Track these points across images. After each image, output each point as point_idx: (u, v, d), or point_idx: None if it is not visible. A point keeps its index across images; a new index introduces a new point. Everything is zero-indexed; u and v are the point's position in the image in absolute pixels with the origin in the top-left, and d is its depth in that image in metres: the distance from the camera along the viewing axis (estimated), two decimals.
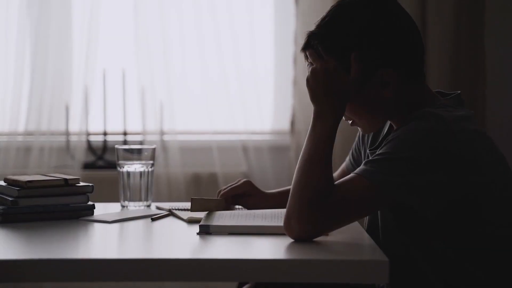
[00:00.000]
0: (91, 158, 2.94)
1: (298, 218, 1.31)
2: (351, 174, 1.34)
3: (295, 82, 2.91)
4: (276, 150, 2.96)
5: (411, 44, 1.44)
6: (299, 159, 1.39)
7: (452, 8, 2.83)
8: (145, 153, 1.81)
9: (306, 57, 1.48)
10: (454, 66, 2.85)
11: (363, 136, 1.70)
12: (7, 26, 2.90)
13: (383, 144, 1.37)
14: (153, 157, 1.82)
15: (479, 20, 2.86)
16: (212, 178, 2.89)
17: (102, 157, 2.94)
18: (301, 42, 1.48)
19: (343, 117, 1.48)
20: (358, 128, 1.54)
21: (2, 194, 1.62)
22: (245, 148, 2.93)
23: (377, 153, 1.35)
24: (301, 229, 1.32)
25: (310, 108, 2.81)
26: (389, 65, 1.41)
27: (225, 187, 1.72)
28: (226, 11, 2.92)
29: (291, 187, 1.38)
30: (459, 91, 1.50)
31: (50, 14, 2.88)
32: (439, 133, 1.33)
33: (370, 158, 1.37)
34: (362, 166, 1.34)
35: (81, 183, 1.65)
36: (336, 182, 1.35)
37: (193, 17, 2.92)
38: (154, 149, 1.83)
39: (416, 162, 1.31)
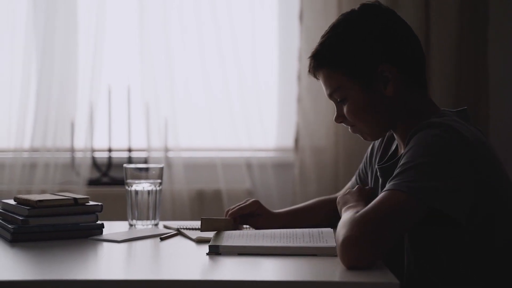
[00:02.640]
0: (95, 175, 2.95)
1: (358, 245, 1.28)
2: (383, 193, 1.34)
3: (299, 99, 2.92)
4: (280, 167, 2.97)
5: (410, 44, 1.51)
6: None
7: (454, 20, 2.86)
8: (153, 172, 1.82)
9: (315, 77, 1.55)
10: (457, 76, 2.88)
11: (370, 156, 1.72)
12: (13, 42, 2.92)
13: (402, 156, 1.39)
14: (160, 176, 1.83)
15: (483, 32, 2.89)
16: (216, 195, 2.90)
17: (107, 174, 2.95)
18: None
19: (344, 123, 1.54)
20: (361, 136, 1.57)
21: (13, 213, 1.63)
22: (249, 165, 2.94)
23: (398, 166, 1.37)
24: (358, 256, 1.28)
25: (313, 125, 2.88)
26: (389, 60, 1.48)
27: (233, 206, 1.73)
28: (230, 28, 2.95)
29: (355, 215, 1.32)
30: (466, 107, 1.55)
31: (56, 31, 2.90)
32: (455, 139, 1.36)
33: (393, 174, 1.37)
34: (390, 183, 1.35)
35: (91, 202, 1.66)
36: (370, 205, 1.32)
37: (196, 33, 2.94)
38: (162, 168, 1.84)
39: (438, 167, 1.33)
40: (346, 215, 1.37)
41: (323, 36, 1.55)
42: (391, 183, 1.34)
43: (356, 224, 1.28)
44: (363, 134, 1.57)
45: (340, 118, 1.56)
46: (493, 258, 1.39)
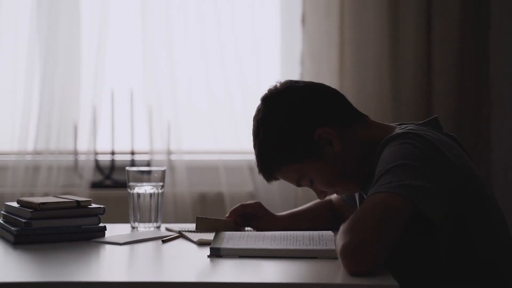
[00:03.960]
0: (98, 178, 2.96)
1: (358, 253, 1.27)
2: (364, 201, 1.34)
3: None
4: None
5: (324, 98, 1.56)
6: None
7: (456, 21, 2.87)
8: (155, 175, 1.83)
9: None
10: (458, 78, 2.89)
11: None
12: (16, 46, 2.93)
13: (376, 172, 1.40)
14: (163, 179, 1.84)
15: (484, 33, 2.90)
16: (219, 198, 2.91)
17: (110, 177, 2.96)
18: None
19: (328, 194, 1.59)
20: (349, 194, 1.61)
21: (16, 215, 1.64)
22: (251, 168, 2.95)
23: (375, 178, 1.38)
24: (356, 263, 1.26)
25: None
26: (318, 125, 1.52)
27: (235, 206, 1.74)
28: (232, 31, 2.95)
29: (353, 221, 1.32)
30: (436, 115, 1.58)
31: (59, 34, 2.91)
32: (421, 144, 1.39)
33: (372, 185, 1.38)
34: (371, 191, 1.35)
35: (93, 205, 1.67)
36: (356, 212, 1.32)
37: (199, 37, 2.95)
38: (164, 171, 1.85)
39: (410, 169, 1.34)
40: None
41: (254, 147, 1.61)
42: (370, 192, 1.35)
43: (348, 233, 1.28)
44: (348, 191, 1.62)
45: (322, 194, 1.61)
46: (475, 260, 1.40)
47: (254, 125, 1.61)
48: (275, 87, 1.59)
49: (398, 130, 1.48)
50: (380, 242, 1.26)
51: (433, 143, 1.41)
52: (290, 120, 1.54)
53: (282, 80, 1.62)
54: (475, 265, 1.40)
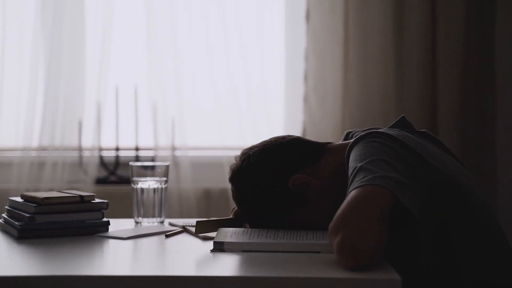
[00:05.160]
0: (103, 173, 2.97)
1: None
2: (347, 196, 1.34)
3: (306, 99, 2.93)
4: None
5: (284, 153, 1.59)
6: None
7: (461, 19, 2.87)
8: (159, 170, 1.84)
9: None
10: (463, 76, 2.88)
11: None
12: (21, 42, 2.94)
13: (349, 175, 1.41)
14: (166, 174, 1.84)
15: (489, 32, 2.89)
16: (223, 194, 2.91)
17: (114, 173, 2.97)
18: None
19: None
20: None
21: (19, 210, 1.65)
22: None
23: (349, 180, 1.38)
24: (350, 257, 1.26)
25: (320, 124, 2.89)
26: (287, 177, 1.55)
27: None
28: (236, 27, 2.96)
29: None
30: (403, 115, 1.60)
31: (63, 30, 2.92)
32: (381, 139, 1.42)
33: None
34: (348, 190, 1.36)
35: (97, 200, 1.68)
36: (340, 210, 1.32)
37: (203, 33, 2.96)
38: (167, 166, 1.85)
39: (382, 162, 1.36)
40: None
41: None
42: (349, 190, 1.35)
43: (338, 230, 1.27)
44: None
45: None
46: (457, 259, 1.39)
47: (238, 205, 1.65)
48: (235, 164, 1.63)
49: (361, 133, 1.50)
50: (370, 233, 1.26)
51: (398, 139, 1.42)
52: (262, 188, 1.58)
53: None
54: (458, 265, 1.39)
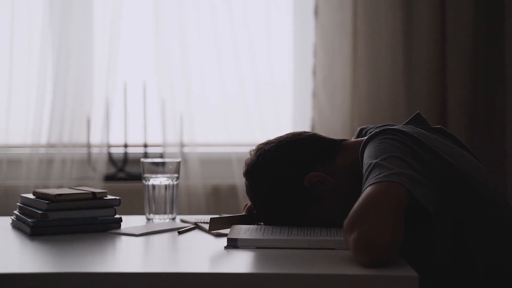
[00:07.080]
0: (112, 170, 2.96)
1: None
2: (363, 193, 1.33)
3: (314, 94, 2.92)
4: None
5: (299, 149, 1.59)
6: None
7: (471, 15, 2.86)
8: (170, 167, 1.83)
9: None
10: (472, 73, 2.87)
11: None
12: (29, 39, 2.94)
13: (363, 172, 1.40)
14: (177, 170, 1.84)
15: (499, 28, 2.88)
16: (232, 190, 2.91)
17: (123, 169, 2.96)
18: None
19: None
20: None
21: (32, 207, 1.64)
22: None
23: (363, 178, 1.38)
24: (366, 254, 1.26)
25: (329, 120, 2.88)
26: (304, 173, 1.54)
27: None
28: (245, 23, 2.95)
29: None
30: (418, 111, 1.60)
31: (72, 27, 2.91)
32: (396, 136, 1.41)
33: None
34: (363, 187, 1.35)
35: (109, 197, 1.67)
36: (355, 207, 1.31)
37: (211, 29, 2.95)
38: (179, 163, 1.85)
39: (397, 159, 1.35)
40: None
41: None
42: (363, 188, 1.34)
43: (353, 227, 1.27)
44: None
45: None
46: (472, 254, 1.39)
47: (252, 200, 1.63)
48: (250, 159, 1.61)
49: (375, 130, 1.49)
50: (386, 229, 1.25)
51: (412, 136, 1.42)
52: (277, 185, 1.57)
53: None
54: (473, 260, 1.39)
